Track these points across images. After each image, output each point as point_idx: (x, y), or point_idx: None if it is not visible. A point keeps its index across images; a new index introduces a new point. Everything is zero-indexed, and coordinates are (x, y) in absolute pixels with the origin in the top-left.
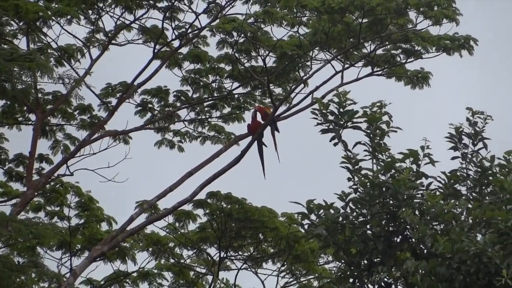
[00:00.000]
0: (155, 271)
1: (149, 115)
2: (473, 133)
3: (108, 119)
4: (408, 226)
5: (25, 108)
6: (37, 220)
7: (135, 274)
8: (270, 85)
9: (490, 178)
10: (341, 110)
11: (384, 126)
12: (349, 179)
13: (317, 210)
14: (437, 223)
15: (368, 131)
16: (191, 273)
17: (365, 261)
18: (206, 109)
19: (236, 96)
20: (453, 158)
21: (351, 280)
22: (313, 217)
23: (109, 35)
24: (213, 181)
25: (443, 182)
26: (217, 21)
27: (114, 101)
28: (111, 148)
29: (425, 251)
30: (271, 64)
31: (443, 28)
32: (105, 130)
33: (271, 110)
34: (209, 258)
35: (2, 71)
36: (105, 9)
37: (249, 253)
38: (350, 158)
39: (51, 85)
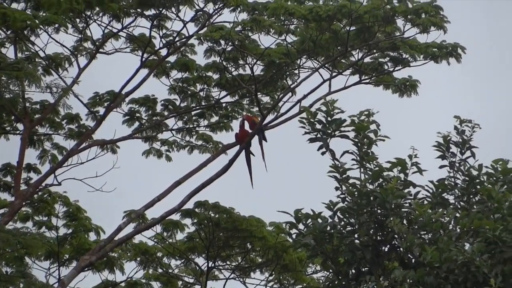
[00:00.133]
0: (143, 281)
1: (136, 124)
2: (461, 142)
3: (96, 129)
4: (396, 235)
5: (12, 117)
6: (25, 230)
7: (123, 284)
8: (258, 93)
9: (478, 187)
10: (329, 118)
11: (371, 135)
12: (337, 188)
13: (305, 219)
14: (425, 232)
15: (356, 140)
16: (179, 283)
17: (353, 271)
18: (194, 118)
19: (224, 105)
20: (441, 167)
21: None
22: (301, 226)
23: (97, 43)
24: (201, 190)
25: (431, 191)
26: (205, 29)
27: (102, 110)
28: (99, 158)
29: (413, 260)
30: (258, 72)
31: (431, 36)
32: (93, 140)
33: (259, 119)
34: (197, 268)
35: None
36: (92, 18)
37: (237, 263)
38: (338, 167)
39: (39, 94)
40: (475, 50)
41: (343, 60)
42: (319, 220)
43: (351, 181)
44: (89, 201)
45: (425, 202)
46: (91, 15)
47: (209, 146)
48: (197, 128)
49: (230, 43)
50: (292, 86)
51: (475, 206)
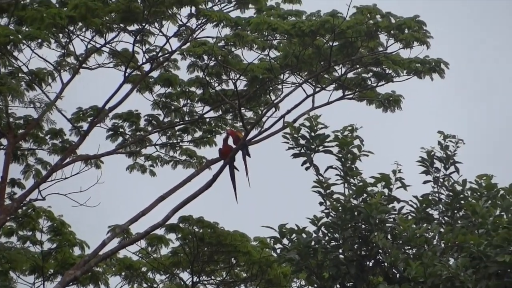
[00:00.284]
0: None
1: (120, 139)
2: (445, 157)
3: (80, 144)
4: (380, 250)
5: None
6: (9, 244)
7: None
8: (241, 108)
9: (462, 202)
10: (313, 134)
11: (355, 150)
12: (321, 203)
13: (289, 234)
14: (409, 247)
15: (340, 155)
16: None
17: (338, 286)
18: (177, 133)
19: (207, 120)
20: (425, 182)
21: None
22: (285, 241)
23: (80, 58)
24: (185, 205)
25: (415, 206)
26: (188, 44)
27: (85, 125)
28: (83, 173)
29: (397, 275)
30: (242, 87)
31: (414, 51)
32: (77, 155)
33: (243, 134)
34: (182, 283)
35: None
36: (75, 33)
37: (221, 278)
38: (322, 182)
39: (23, 109)
40: (458, 64)
41: (326, 76)
42: (304, 235)
43: (335, 196)
44: (73, 216)
45: (409, 217)
46: (74, 30)
47: (193, 161)
48: (180, 143)
49: (213, 58)
50: (275, 101)
51: (459, 221)
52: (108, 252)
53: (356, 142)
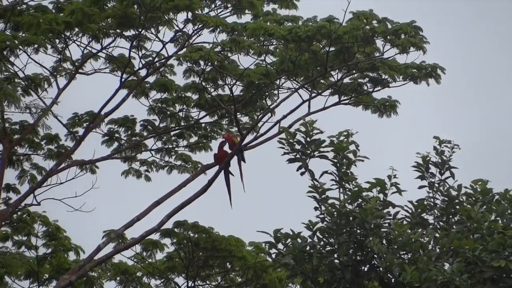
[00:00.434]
0: None
1: (116, 144)
2: (440, 162)
3: (75, 149)
4: (375, 255)
5: None
6: (4, 249)
7: None
8: (237, 114)
9: (457, 207)
10: (308, 139)
11: (351, 155)
12: (316, 208)
13: (285, 239)
14: (404, 252)
15: (335, 160)
16: None
17: None
18: (173, 138)
19: (203, 125)
20: (420, 187)
21: None
22: (280, 246)
23: (76, 64)
24: (180, 210)
25: (410, 211)
26: (184, 50)
27: (81, 130)
28: (78, 178)
29: (392, 280)
30: (238, 92)
31: (410, 56)
32: (72, 160)
33: (238, 139)
34: None
35: None
36: (72, 38)
37: (216, 282)
38: (317, 187)
39: (18, 115)
40: (454, 69)
41: (322, 81)
42: (299, 240)
43: (330, 201)
44: (68, 221)
45: (405, 222)
46: (71, 35)
47: (188, 166)
48: (176, 148)
49: (209, 64)
50: (271, 107)
51: (454, 226)
52: (103, 257)
53: (352, 147)
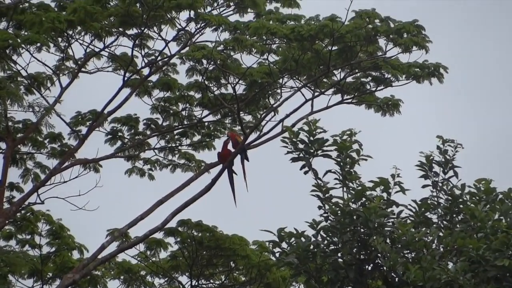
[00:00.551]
0: None
1: (119, 143)
2: (444, 162)
3: (79, 148)
4: (379, 254)
5: None
6: (8, 248)
7: None
8: (240, 112)
9: (461, 206)
10: (311, 138)
11: (354, 154)
12: (319, 207)
13: (288, 238)
14: (408, 251)
15: (339, 159)
16: None
17: None
18: (176, 137)
19: (206, 124)
20: (424, 186)
21: None
22: (284, 245)
23: (79, 62)
24: (184, 209)
25: (414, 210)
26: (187, 48)
27: (84, 129)
28: (81, 177)
29: (396, 279)
30: (241, 91)
31: (413, 56)
32: (76, 159)
33: (242, 138)
34: (181, 286)
35: None
36: (74, 37)
37: (220, 281)
38: (321, 186)
39: (21, 113)
40: (458, 68)
41: (325, 80)
42: (302, 239)
43: (334, 200)
44: (72, 220)
45: (408, 221)
46: (73, 34)
47: (192, 165)
48: (179, 147)
49: (212, 63)
50: (274, 106)
51: (458, 225)
52: (107, 255)
53: (355, 146)
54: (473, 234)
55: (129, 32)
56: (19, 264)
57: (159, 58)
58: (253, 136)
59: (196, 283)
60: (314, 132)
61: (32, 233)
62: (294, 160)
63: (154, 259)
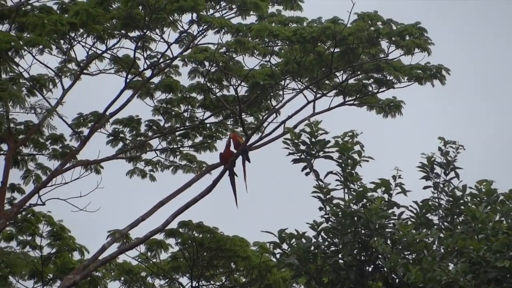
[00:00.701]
0: None
1: (120, 144)
2: (445, 163)
3: (80, 149)
4: (380, 256)
5: None
6: (9, 249)
7: None
8: (242, 114)
9: (462, 207)
10: (313, 140)
11: (356, 156)
12: (320, 209)
13: (289, 239)
14: (409, 252)
15: (340, 160)
16: None
17: None
18: (177, 138)
19: (208, 125)
20: (425, 187)
21: None
22: (285, 246)
23: (81, 64)
24: (185, 210)
25: (415, 211)
26: (189, 50)
27: (86, 131)
28: (83, 178)
29: (397, 280)
30: (243, 93)
31: (415, 58)
32: (77, 160)
33: (244, 139)
34: None
35: None
36: (77, 39)
37: (221, 283)
38: (322, 187)
39: (23, 115)
40: (460, 70)
41: (327, 82)
42: (303, 240)
43: (335, 201)
44: (73, 221)
45: (409, 222)
46: (75, 36)
47: (193, 166)
48: (181, 148)
49: (214, 65)
50: (276, 107)
51: (459, 227)
52: (108, 257)
53: (357, 147)
54: (474, 235)
55: (131, 34)
56: (20, 265)
57: (161, 60)
58: (255, 137)
59: (197, 284)
60: (315, 134)
61: (33, 234)
62: (295, 161)
63: (154, 260)
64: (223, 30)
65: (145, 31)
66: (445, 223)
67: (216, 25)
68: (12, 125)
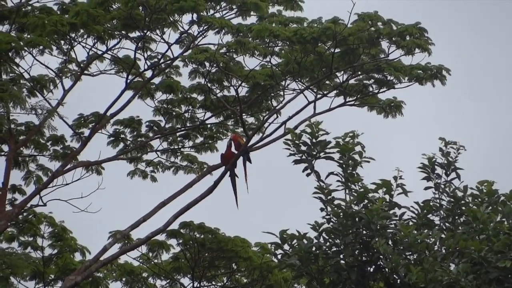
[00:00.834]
0: None
1: (121, 145)
2: (446, 163)
3: (81, 150)
4: (381, 256)
5: None
6: (10, 250)
7: None
8: (243, 114)
9: (463, 208)
10: (314, 140)
11: (356, 157)
12: (322, 209)
13: (290, 240)
14: (410, 253)
15: (341, 161)
16: None
17: None
18: (178, 139)
19: (208, 126)
20: (426, 188)
21: None
22: (286, 247)
23: (82, 65)
24: (187, 211)
25: (416, 212)
26: (190, 51)
27: (86, 131)
28: (84, 179)
29: (398, 281)
30: (243, 93)
31: (416, 58)
32: (78, 161)
33: (244, 140)
34: None
35: None
36: (77, 40)
37: (222, 283)
38: (323, 188)
39: (24, 116)
40: (460, 69)
41: (327, 82)
42: (305, 241)
43: (336, 202)
44: (74, 222)
45: (410, 223)
46: (76, 37)
47: (194, 167)
48: (182, 149)
49: (215, 65)
50: (277, 108)
51: (460, 227)
52: (109, 257)
53: (358, 148)
54: (475, 236)
55: (132, 34)
56: (21, 266)
57: (161, 60)
58: (255, 138)
59: (198, 285)
60: (316, 134)
61: (34, 235)
62: (296, 162)
63: (156, 261)
64: (224, 31)
65: (145, 31)
66: (447, 224)
67: (217, 26)
68: (12, 126)
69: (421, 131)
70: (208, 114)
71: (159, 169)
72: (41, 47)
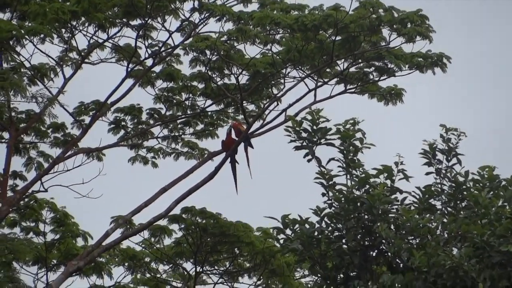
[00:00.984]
0: (131, 285)
1: (122, 132)
2: (447, 149)
3: (82, 137)
4: (383, 241)
5: None
6: (12, 235)
7: None
8: (243, 102)
9: (465, 193)
10: (315, 127)
11: (357, 143)
12: (323, 194)
13: (293, 225)
14: (412, 237)
15: (342, 147)
16: (167, 287)
17: (341, 275)
18: (179, 126)
19: (209, 113)
20: (427, 173)
21: None
22: (288, 231)
23: (82, 53)
24: (188, 196)
25: (417, 197)
26: (190, 39)
27: (87, 119)
28: (85, 165)
29: (401, 265)
30: (244, 81)
31: (417, 45)
32: (79, 148)
33: (245, 127)
34: (185, 273)
35: None
36: (78, 28)
37: (225, 268)
38: (324, 173)
39: (25, 104)
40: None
41: (328, 70)
42: (307, 226)
43: (337, 187)
44: (76, 208)
45: (412, 207)
46: (77, 25)
47: (195, 153)
48: (182, 136)
49: (215, 53)
50: (277, 95)
51: (462, 212)
52: (111, 242)
53: (358, 135)
54: (477, 220)
55: (133, 22)
56: (24, 251)
57: (162, 48)
58: (256, 125)
59: (201, 269)
60: (317, 121)
61: (36, 221)
62: (297, 148)
63: (158, 245)
64: (225, 18)
65: (146, 19)
66: (448, 208)
67: (218, 13)
68: (13, 114)
69: (422, 118)
70: (209, 102)
71: (160, 155)
72: (42, 35)
